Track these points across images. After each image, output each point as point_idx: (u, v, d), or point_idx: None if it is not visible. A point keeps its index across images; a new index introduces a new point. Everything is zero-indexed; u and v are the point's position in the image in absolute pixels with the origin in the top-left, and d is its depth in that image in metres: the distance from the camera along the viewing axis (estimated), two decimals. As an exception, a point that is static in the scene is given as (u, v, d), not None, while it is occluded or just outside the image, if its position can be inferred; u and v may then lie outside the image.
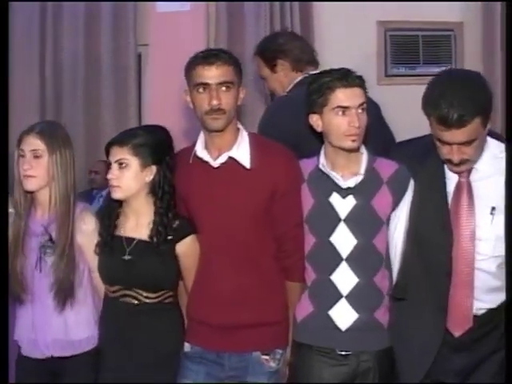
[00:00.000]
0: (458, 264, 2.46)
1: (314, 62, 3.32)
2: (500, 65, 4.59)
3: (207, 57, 2.47)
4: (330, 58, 4.51)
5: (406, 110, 4.54)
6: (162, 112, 4.52)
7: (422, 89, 4.72)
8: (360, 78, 2.51)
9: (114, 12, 4.72)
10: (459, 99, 2.28)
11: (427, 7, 4.74)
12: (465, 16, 4.82)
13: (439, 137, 2.37)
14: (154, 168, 2.53)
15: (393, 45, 4.86)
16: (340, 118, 2.45)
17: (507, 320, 2.35)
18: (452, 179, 2.49)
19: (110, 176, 2.52)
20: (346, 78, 2.47)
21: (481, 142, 2.39)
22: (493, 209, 2.45)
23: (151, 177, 2.53)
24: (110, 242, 2.55)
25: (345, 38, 4.72)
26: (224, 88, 2.45)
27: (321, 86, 2.48)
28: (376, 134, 2.81)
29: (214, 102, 2.43)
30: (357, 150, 2.50)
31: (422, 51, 4.84)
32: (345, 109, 2.44)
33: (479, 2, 4.76)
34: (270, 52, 3.27)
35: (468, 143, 2.35)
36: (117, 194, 2.53)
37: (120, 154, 2.51)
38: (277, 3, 4.69)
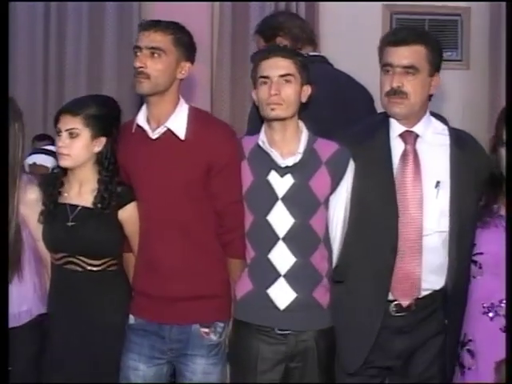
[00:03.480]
0: (407, 232, 2.47)
1: (313, 43, 3.30)
2: (506, 51, 4.56)
3: (146, 23, 2.53)
4: (336, 49, 4.52)
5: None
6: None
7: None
8: (286, 49, 2.57)
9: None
10: (407, 28, 2.57)
11: (434, -9, 4.71)
12: (472, 1, 4.78)
13: (387, 61, 2.49)
14: (103, 139, 2.55)
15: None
16: (262, 88, 2.49)
17: (507, 320, 2.36)
18: (398, 150, 2.52)
19: (60, 144, 2.53)
20: (271, 49, 2.55)
21: (422, 83, 2.48)
22: (438, 183, 2.49)
23: (99, 148, 2.56)
24: (54, 209, 2.56)
25: (351, 21, 4.69)
26: (154, 54, 2.47)
27: (253, 61, 2.56)
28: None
29: (136, 64, 2.47)
30: (281, 119, 2.49)
31: (428, 36, 4.80)
32: (265, 78, 2.48)
33: (487, -12, 4.72)
34: (269, 29, 3.25)
35: (410, 70, 2.45)
36: (65, 162, 2.55)
37: (72, 123, 2.52)
38: (282, 3, 4.66)
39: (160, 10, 4.60)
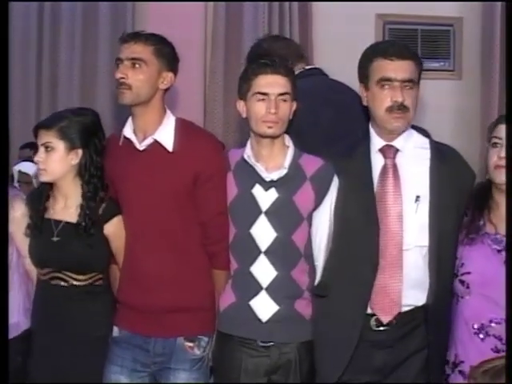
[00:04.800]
0: (387, 247, 2.46)
1: (303, 58, 3.32)
2: (499, 61, 4.58)
3: (127, 35, 2.55)
4: (328, 50, 4.54)
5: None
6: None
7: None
8: (284, 66, 2.53)
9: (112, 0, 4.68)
10: (397, 43, 2.57)
11: (427, 1, 4.72)
12: (464, 11, 4.80)
13: (383, 75, 2.45)
14: (79, 151, 2.55)
15: (391, 38, 4.83)
16: (259, 104, 2.47)
17: (507, 324, 2.35)
18: (378, 165, 2.51)
19: (36, 159, 2.55)
20: (271, 65, 2.50)
21: (417, 97, 2.48)
22: (417, 197, 2.48)
23: (77, 160, 2.56)
24: (40, 224, 2.57)
25: (344, 30, 4.70)
26: (136, 65, 2.50)
27: (247, 72, 2.53)
28: None
29: (117, 75, 2.50)
30: (275, 137, 2.49)
31: (420, 45, 4.82)
32: (264, 95, 2.46)
33: (479, -3, 4.74)
34: (257, 58, 3.26)
35: (409, 84, 2.44)
36: (43, 177, 2.57)
37: (46, 137, 2.53)
38: (276, 3, 4.66)
39: (154, 9, 4.61)
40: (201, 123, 4.53)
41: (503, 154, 2.47)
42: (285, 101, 2.48)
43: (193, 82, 4.54)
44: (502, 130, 2.50)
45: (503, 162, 2.47)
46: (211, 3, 4.71)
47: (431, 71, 4.81)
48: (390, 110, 2.46)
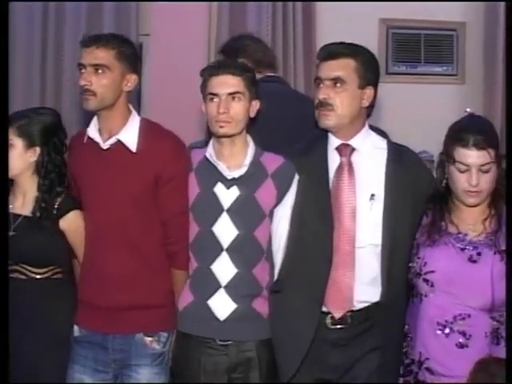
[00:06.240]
0: (340, 244, 2.49)
1: (274, 66, 3.37)
2: (501, 66, 4.58)
3: (88, 39, 2.56)
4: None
5: (405, 109, 4.57)
6: (161, 101, 4.51)
7: (422, 88, 4.72)
8: (235, 66, 2.56)
9: (116, 1, 4.69)
10: (338, 43, 2.59)
11: (431, 6, 4.72)
12: (468, 16, 4.80)
13: (316, 75, 2.56)
14: (38, 149, 2.61)
15: (394, 42, 4.83)
16: (211, 104, 2.51)
17: (507, 321, 2.36)
18: (334, 163, 2.55)
19: None
20: (221, 66, 2.53)
21: (351, 96, 2.51)
22: (372, 196, 2.51)
23: (35, 158, 2.61)
24: None
25: (347, 34, 4.67)
26: (99, 70, 2.51)
27: (203, 74, 2.57)
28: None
29: (81, 83, 2.52)
30: (231, 136, 2.51)
31: (423, 50, 4.82)
32: (214, 95, 2.49)
33: (482, 3, 4.73)
34: (232, 50, 3.29)
35: (337, 82, 2.47)
36: None
37: None
38: (279, 3, 4.67)
39: (157, 10, 4.62)
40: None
41: (474, 181, 2.42)
42: (238, 100, 2.49)
43: (196, 81, 4.54)
44: (467, 156, 2.42)
45: (475, 189, 2.44)
46: (215, 3, 4.72)
47: (434, 76, 4.82)
48: (317, 107, 2.53)
